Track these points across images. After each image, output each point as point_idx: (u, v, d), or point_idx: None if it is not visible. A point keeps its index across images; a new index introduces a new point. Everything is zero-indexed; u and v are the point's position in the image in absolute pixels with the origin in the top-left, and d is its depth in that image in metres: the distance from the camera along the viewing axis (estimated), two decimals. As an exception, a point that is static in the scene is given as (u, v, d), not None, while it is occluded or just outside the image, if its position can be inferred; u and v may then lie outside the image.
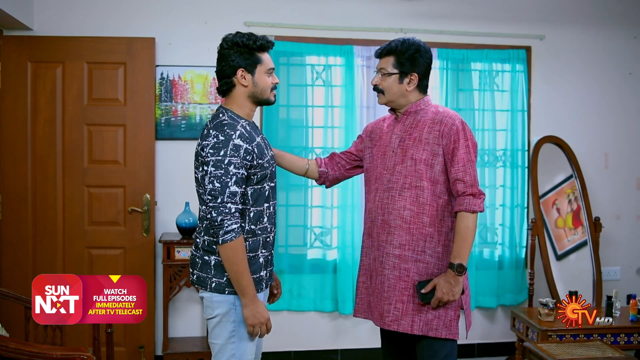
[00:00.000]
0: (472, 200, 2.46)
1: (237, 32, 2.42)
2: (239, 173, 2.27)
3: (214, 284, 2.35)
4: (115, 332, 3.22)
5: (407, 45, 2.58)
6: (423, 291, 2.48)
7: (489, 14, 4.40)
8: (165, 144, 4.07)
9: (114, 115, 3.96)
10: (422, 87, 2.63)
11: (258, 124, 4.07)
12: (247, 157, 2.29)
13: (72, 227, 3.94)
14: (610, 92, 4.57)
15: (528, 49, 4.41)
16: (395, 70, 2.57)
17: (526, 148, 4.38)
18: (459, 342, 2.64)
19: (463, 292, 2.51)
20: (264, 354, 2.91)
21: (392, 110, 2.67)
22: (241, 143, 2.28)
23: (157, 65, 4.02)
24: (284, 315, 4.22)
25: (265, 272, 2.43)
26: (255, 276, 2.37)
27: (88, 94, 3.94)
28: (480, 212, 2.48)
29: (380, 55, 2.64)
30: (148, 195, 3.96)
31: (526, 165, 4.38)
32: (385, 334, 2.74)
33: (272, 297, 2.67)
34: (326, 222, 4.22)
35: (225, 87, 2.42)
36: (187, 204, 3.88)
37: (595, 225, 4.31)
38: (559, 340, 3.63)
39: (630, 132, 4.61)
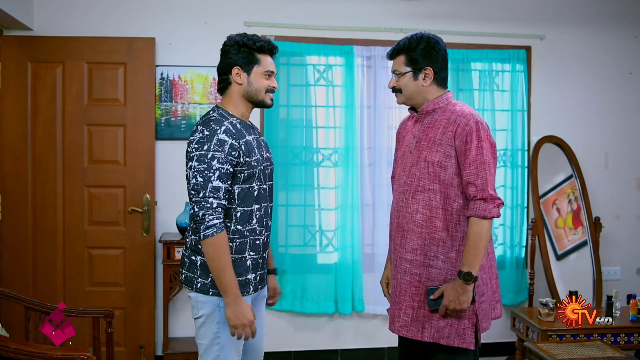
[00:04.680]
0: (483, 205, 2.35)
1: (242, 32, 2.43)
2: (222, 168, 2.25)
3: (199, 284, 2.35)
4: (115, 332, 3.22)
5: (415, 40, 2.49)
6: (431, 297, 2.42)
7: (489, 14, 4.40)
8: (165, 144, 4.07)
9: (114, 115, 3.95)
10: (440, 80, 2.52)
11: (258, 125, 4.08)
12: (233, 153, 2.28)
13: (72, 227, 3.94)
14: (610, 92, 4.57)
15: (528, 49, 4.41)
16: (408, 69, 2.50)
17: (526, 148, 4.38)
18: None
19: (474, 301, 2.41)
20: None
21: (412, 109, 2.60)
22: (226, 138, 2.27)
23: (157, 65, 4.02)
24: (284, 314, 4.21)
25: (253, 275, 2.40)
26: (241, 278, 2.35)
27: (88, 94, 3.93)
28: (493, 217, 2.36)
29: (391, 56, 2.57)
30: (148, 195, 3.96)
31: (526, 165, 4.38)
32: (402, 339, 2.65)
33: (269, 300, 2.64)
34: (327, 223, 4.21)
35: (222, 84, 2.43)
36: (187, 204, 3.87)
37: (595, 225, 4.31)
38: (559, 340, 3.62)
39: (630, 132, 4.61)
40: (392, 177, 2.68)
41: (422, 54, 2.48)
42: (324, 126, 4.21)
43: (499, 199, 2.39)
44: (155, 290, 4.03)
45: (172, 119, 4.07)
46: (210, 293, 2.33)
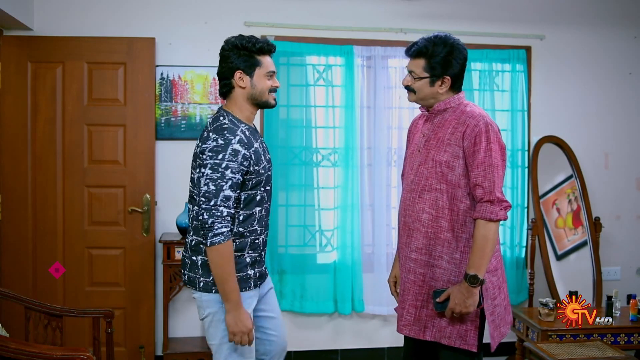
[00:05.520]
0: (489, 207, 2.33)
1: (239, 35, 2.44)
2: (234, 178, 2.29)
3: (201, 284, 2.38)
4: (115, 332, 3.22)
5: (438, 47, 2.43)
6: (438, 300, 2.41)
7: (489, 14, 4.40)
8: (165, 144, 4.07)
9: (114, 115, 3.95)
10: (456, 87, 2.51)
11: (258, 125, 4.08)
12: (244, 163, 2.32)
13: (72, 227, 3.94)
14: (610, 92, 4.57)
15: (528, 49, 4.41)
16: (426, 74, 2.46)
17: (526, 148, 4.38)
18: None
19: (480, 304, 2.39)
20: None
21: (424, 107, 2.59)
22: (240, 148, 2.31)
23: (157, 65, 4.02)
24: (284, 314, 4.21)
25: (253, 271, 2.44)
26: (242, 274, 2.38)
27: (88, 94, 3.93)
28: (500, 220, 2.34)
29: (410, 55, 2.51)
30: (148, 195, 3.96)
31: (526, 165, 4.38)
32: (407, 339, 2.65)
33: None
34: (326, 223, 4.21)
35: (225, 88, 2.45)
36: (187, 204, 3.86)
37: (595, 225, 4.31)
38: (559, 340, 3.63)
39: (630, 132, 4.61)
40: (402, 176, 2.68)
41: (443, 63, 2.44)
42: (324, 126, 4.20)
43: (506, 201, 2.37)
44: (155, 290, 4.03)
45: (172, 119, 4.07)
46: (214, 291, 2.36)
